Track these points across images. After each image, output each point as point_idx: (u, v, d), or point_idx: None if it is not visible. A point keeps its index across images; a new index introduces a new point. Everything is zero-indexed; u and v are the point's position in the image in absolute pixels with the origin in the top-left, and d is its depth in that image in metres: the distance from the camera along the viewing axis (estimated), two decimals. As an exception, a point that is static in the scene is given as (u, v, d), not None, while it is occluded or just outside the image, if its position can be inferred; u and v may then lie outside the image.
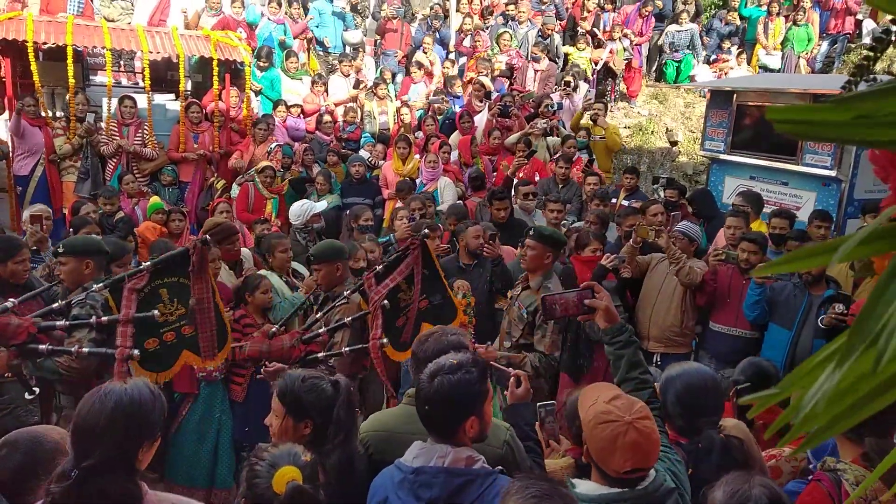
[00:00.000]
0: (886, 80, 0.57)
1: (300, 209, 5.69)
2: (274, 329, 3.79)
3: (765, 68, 11.87)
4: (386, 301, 3.51)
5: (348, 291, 3.80)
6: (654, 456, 1.93)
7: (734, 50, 11.94)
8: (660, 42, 11.99)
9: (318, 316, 3.83)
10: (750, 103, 7.78)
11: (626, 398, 1.96)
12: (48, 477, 2.02)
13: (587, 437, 1.96)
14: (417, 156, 8.13)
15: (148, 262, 3.45)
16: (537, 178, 7.70)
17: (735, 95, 7.86)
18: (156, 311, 3.29)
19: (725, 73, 11.54)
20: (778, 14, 12.15)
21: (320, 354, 3.68)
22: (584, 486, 1.98)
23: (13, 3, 8.41)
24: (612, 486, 1.92)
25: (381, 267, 3.66)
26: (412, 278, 3.68)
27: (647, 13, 11.50)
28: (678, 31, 11.74)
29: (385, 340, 3.49)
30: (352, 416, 2.37)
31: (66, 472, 1.79)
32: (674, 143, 11.32)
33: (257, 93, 9.05)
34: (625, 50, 11.20)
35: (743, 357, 3.65)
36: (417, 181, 7.75)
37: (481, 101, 9.35)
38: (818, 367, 0.58)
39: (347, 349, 3.63)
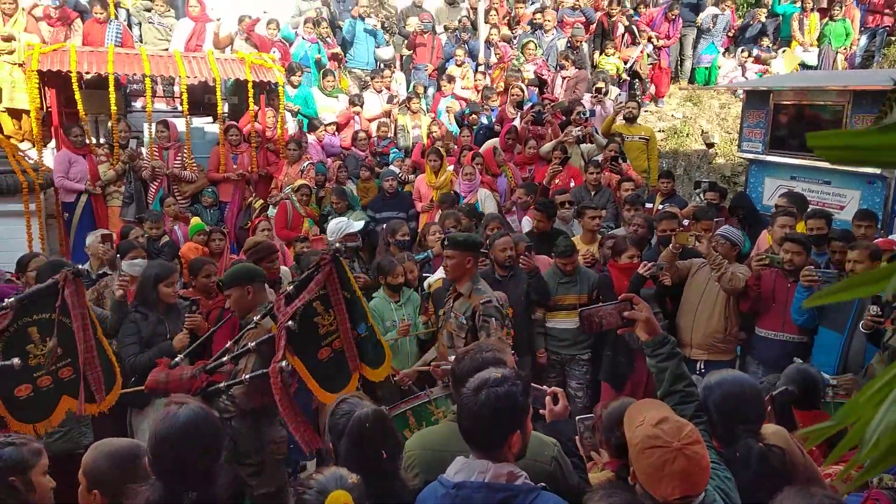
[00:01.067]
0: None
1: (336, 227, 5.75)
2: (178, 359, 3.61)
3: (803, 65, 11.65)
4: (290, 322, 3.20)
5: (258, 316, 3.51)
6: (704, 482, 1.88)
7: (772, 47, 11.79)
8: (698, 23, 11.82)
9: (228, 345, 3.58)
10: (787, 102, 7.63)
11: (674, 421, 1.91)
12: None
13: (633, 460, 1.93)
14: (451, 167, 8.15)
15: (11, 299, 3.06)
16: (572, 186, 7.64)
17: (771, 95, 7.72)
18: (16, 360, 2.95)
19: (768, 66, 11.43)
20: (812, 9, 11.93)
21: (221, 384, 3.42)
22: None
23: (57, 35, 8.71)
24: None
25: (291, 287, 3.39)
26: (328, 300, 3.34)
27: (673, 16, 11.39)
28: (718, 16, 11.61)
29: (284, 363, 3.16)
30: (360, 451, 2.27)
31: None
32: (710, 146, 11.15)
33: (294, 114, 9.19)
34: (649, 56, 11.13)
35: (792, 362, 3.58)
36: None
37: (515, 109, 9.36)
38: (876, 395, 0.57)
39: (247, 376, 3.31)
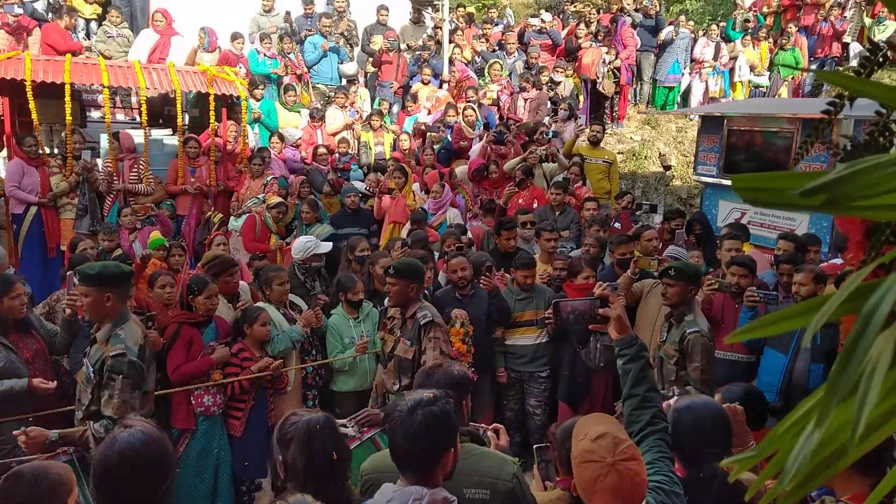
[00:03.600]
0: (849, 165, 0.58)
1: (303, 245, 5.69)
2: None
3: (756, 87, 12.19)
4: None
5: None
6: (638, 498, 1.90)
7: (726, 50, 12.18)
8: (660, 40, 12.06)
9: None
10: (741, 128, 7.88)
11: (612, 436, 1.92)
12: None
13: (574, 473, 1.97)
14: (416, 185, 8.17)
15: None
16: (535, 206, 7.72)
17: (725, 121, 7.96)
18: None
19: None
20: (766, 38, 12.41)
21: None
22: None
23: (15, 43, 8.50)
24: None
25: None
26: None
27: (629, 32, 11.67)
28: (680, 37, 11.89)
29: None
30: (309, 455, 2.24)
31: None
32: (667, 168, 11.41)
33: (256, 120, 9.11)
34: (612, 73, 11.34)
35: (741, 381, 3.67)
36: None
37: (471, 129, 9.40)
38: (796, 425, 0.59)
39: None
